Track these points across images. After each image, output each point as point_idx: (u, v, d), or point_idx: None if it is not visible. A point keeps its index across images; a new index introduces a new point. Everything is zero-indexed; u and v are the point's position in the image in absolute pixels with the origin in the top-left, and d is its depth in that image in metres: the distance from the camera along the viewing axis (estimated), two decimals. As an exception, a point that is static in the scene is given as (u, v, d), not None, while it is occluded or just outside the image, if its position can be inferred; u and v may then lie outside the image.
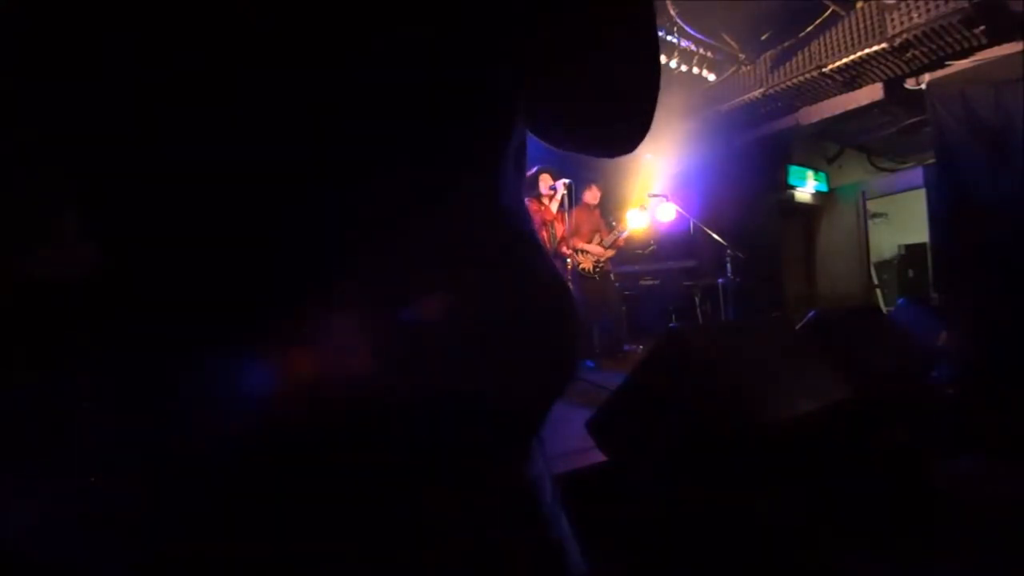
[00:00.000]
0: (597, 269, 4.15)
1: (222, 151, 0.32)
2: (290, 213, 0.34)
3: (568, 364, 0.45)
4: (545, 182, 3.77)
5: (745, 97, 4.62)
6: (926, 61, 3.70)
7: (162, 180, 0.32)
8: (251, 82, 0.32)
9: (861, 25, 3.72)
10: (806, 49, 4.10)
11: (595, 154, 0.47)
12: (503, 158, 0.42)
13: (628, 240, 4.34)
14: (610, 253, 4.22)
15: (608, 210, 4.74)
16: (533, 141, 0.48)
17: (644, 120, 0.45)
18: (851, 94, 4.30)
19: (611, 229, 4.30)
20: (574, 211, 4.09)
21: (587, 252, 4.11)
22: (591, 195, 4.23)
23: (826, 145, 5.82)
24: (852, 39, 3.78)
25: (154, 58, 0.31)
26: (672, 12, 3.89)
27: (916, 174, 5.18)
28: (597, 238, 4.19)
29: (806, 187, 5.72)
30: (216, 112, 0.32)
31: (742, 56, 4.53)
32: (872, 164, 5.96)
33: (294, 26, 0.33)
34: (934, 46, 3.51)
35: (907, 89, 3.99)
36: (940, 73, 3.75)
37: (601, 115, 0.45)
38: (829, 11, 3.83)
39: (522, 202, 0.46)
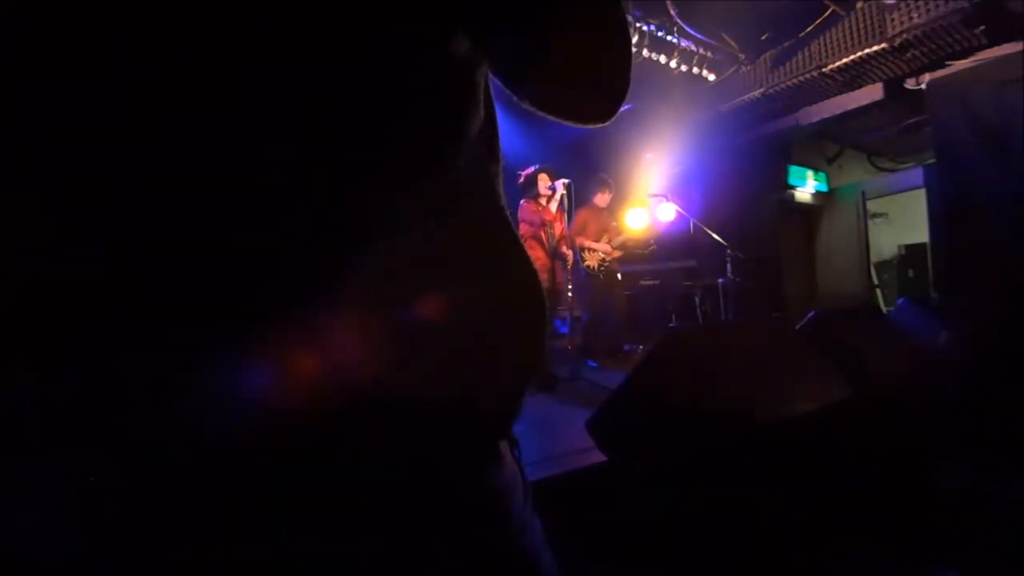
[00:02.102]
0: (602, 268, 4.16)
1: (222, 151, 0.32)
2: (290, 213, 0.34)
3: (538, 365, 0.45)
4: (544, 182, 3.76)
5: (745, 97, 4.61)
6: (926, 61, 3.69)
7: (162, 180, 0.32)
8: (251, 82, 0.32)
9: (861, 25, 3.71)
10: (806, 49, 4.09)
11: (569, 122, 0.47)
12: (491, 151, 0.43)
13: (628, 240, 4.35)
14: (617, 253, 4.24)
15: (608, 210, 4.74)
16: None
17: (617, 90, 0.46)
18: (851, 94, 4.30)
19: (618, 233, 4.32)
20: (582, 211, 4.12)
21: (594, 251, 4.12)
22: (602, 198, 4.26)
23: (826, 145, 5.81)
24: (852, 39, 3.78)
25: (154, 58, 0.31)
26: (672, 12, 3.89)
27: (916, 174, 5.17)
28: (605, 238, 4.20)
29: (806, 187, 5.72)
30: (216, 112, 0.32)
31: (742, 56, 4.52)
32: (872, 164, 5.96)
33: (294, 26, 0.33)
34: (934, 46, 3.50)
35: (907, 89, 3.99)
36: (940, 73, 3.74)
37: (574, 90, 0.45)
38: (829, 11, 3.82)
39: (502, 198, 0.46)
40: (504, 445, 0.44)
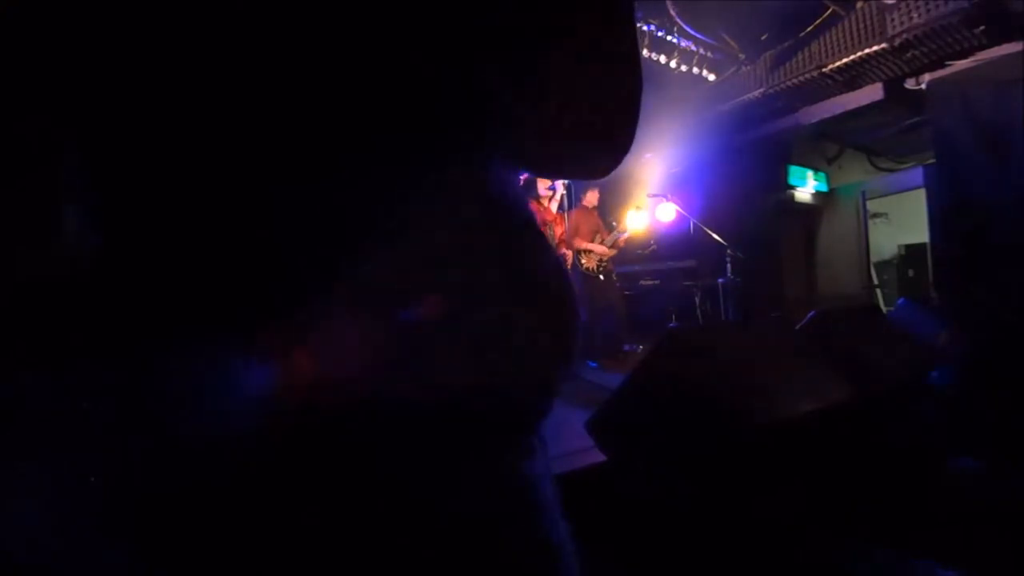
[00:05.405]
0: (601, 268, 4.17)
1: (223, 151, 0.32)
2: (291, 213, 0.34)
3: (568, 360, 0.45)
4: (542, 183, 3.77)
5: (745, 97, 4.62)
6: (926, 61, 3.70)
7: (162, 180, 0.32)
8: (252, 83, 0.33)
9: (861, 25, 3.72)
10: (806, 49, 4.10)
11: (572, 178, 0.48)
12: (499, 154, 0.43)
13: (628, 240, 4.36)
14: (612, 252, 4.25)
15: (608, 210, 4.75)
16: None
17: (621, 149, 0.46)
18: (851, 94, 4.30)
19: (611, 230, 4.32)
20: (573, 212, 4.12)
21: (591, 252, 4.13)
22: (590, 198, 4.28)
23: (826, 145, 5.82)
24: (852, 39, 3.78)
25: (155, 57, 0.31)
26: (672, 12, 3.89)
27: (916, 174, 5.18)
28: (598, 238, 4.21)
29: (806, 187, 5.72)
30: (217, 112, 0.32)
31: (742, 56, 4.52)
32: (872, 164, 5.96)
33: (295, 27, 0.33)
34: (934, 46, 3.50)
35: (907, 89, 3.99)
36: (940, 73, 3.75)
37: (576, 148, 0.45)
38: (829, 11, 3.83)
39: (521, 193, 0.46)
40: (535, 440, 0.44)
